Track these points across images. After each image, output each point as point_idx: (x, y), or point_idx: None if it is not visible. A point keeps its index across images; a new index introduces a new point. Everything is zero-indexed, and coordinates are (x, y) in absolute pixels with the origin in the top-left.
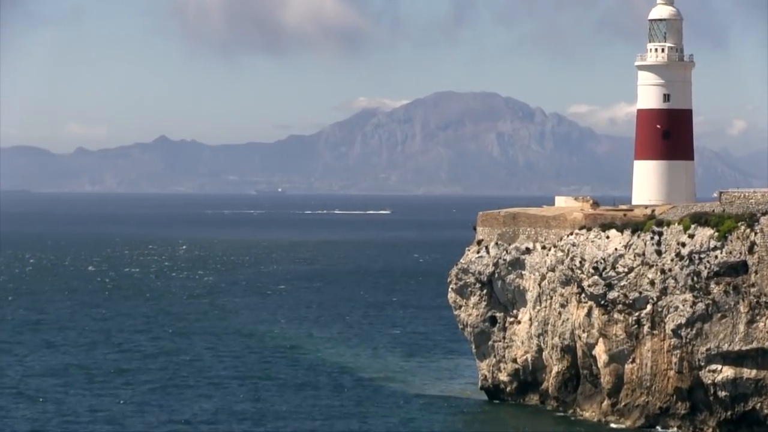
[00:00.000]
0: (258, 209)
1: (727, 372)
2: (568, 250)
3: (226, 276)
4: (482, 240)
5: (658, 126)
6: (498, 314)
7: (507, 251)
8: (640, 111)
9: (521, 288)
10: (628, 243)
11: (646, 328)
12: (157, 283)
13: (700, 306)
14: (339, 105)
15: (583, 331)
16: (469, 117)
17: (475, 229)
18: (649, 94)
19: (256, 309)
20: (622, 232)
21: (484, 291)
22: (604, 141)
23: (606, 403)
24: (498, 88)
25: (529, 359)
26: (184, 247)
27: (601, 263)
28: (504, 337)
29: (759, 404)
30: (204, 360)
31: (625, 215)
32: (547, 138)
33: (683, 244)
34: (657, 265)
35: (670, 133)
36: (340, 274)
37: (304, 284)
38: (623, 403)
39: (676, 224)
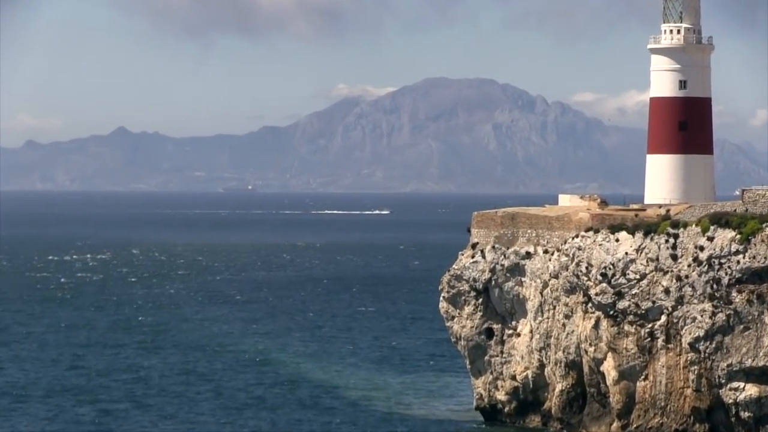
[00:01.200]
0: (225, 209)
1: (751, 390)
2: (573, 255)
3: (192, 283)
4: (477, 243)
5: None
6: (495, 326)
7: (505, 256)
8: (653, 99)
9: (521, 297)
10: (640, 246)
11: (660, 342)
12: (114, 291)
13: (721, 317)
14: (317, 93)
15: (590, 344)
16: (462, 106)
17: (469, 231)
18: (663, 81)
19: (226, 320)
20: (633, 234)
21: (480, 300)
22: (613, 133)
23: (615, 424)
24: (495, 74)
25: (530, 376)
26: (140, 251)
27: (609, 269)
28: (502, 352)
29: None
30: (167, 377)
31: (636, 215)
32: (550, 130)
33: (701, 248)
34: (672, 271)
35: (686, 124)
36: (319, 281)
37: (280, 292)
38: (635, 425)
39: (694, 226)
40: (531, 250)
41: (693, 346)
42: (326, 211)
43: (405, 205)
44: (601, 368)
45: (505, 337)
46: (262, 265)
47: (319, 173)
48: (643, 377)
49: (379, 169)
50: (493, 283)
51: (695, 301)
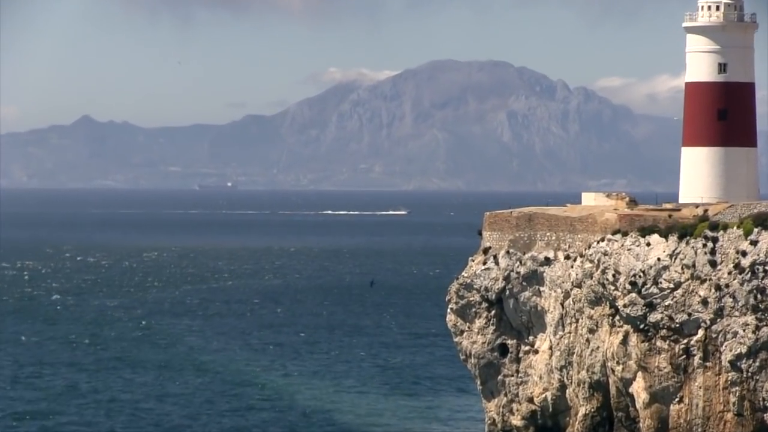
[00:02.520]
0: (201, 208)
1: None
2: (599, 261)
3: (166, 293)
4: (489, 248)
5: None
6: (509, 342)
7: (521, 262)
8: (688, 85)
9: (539, 308)
10: (674, 251)
11: (696, 360)
12: (76, 302)
13: (766, 331)
14: (307, 77)
15: (618, 362)
16: (472, 92)
17: (480, 234)
18: (699, 64)
19: (205, 335)
20: (666, 237)
21: (492, 312)
22: (643, 123)
23: None
24: (509, 56)
25: (549, 398)
26: (106, 256)
27: (640, 277)
28: (517, 371)
29: None
30: (138, 402)
31: (670, 216)
32: (572, 119)
33: (744, 253)
34: (711, 279)
35: (726, 113)
36: (313, 291)
37: (267, 303)
38: None
39: (735, 228)
40: (550, 255)
41: (734, 364)
42: (338, 212)
43: (426, 205)
44: (630, 389)
45: (521, 355)
46: (247, 272)
47: (310, 168)
48: (677, 400)
49: (378, 164)
50: (508, 293)
51: (737, 313)
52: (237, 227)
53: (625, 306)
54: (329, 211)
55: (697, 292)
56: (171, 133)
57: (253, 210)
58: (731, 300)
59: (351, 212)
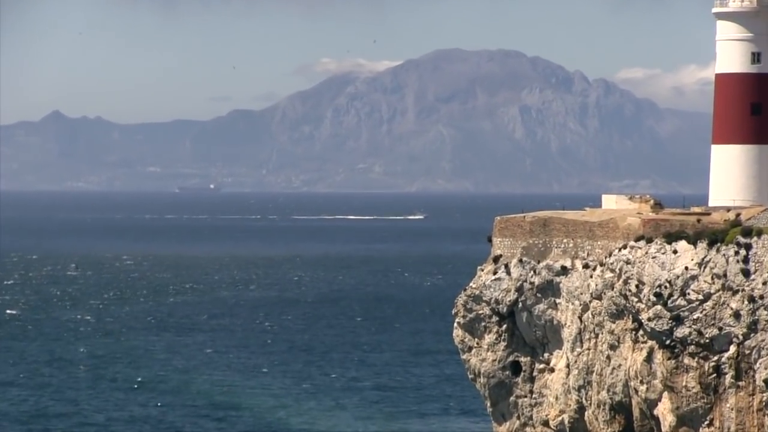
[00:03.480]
0: (181, 212)
1: None
2: (621, 270)
3: (139, 306)
4: (500, 256)
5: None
6: (522, 359)
7: (535, 271)
8: (719, 76)
9: (555, 322)
10: (703, 260)
11: (728, 378)
12: (40, 316)
13: None
14: (298, 68)
15: (642, 382)
16: (481, 84)
17: (490, 240)
18: (731, 53)
19: (181, 352)
20: (695, 244)
21: (503, 327)
22: (669, 118)
23: None
24: (522, 45)
25: (566, 421)
26: (75, 266)
27: (665, 288)
28: (531, 391)
29: None
30: (110, 425)
31: (699, 221)
32: (591, 114)
33: None
34: (744, 290)
35: (761, 107)
36: (305, 303)
37: (255, 317)
38: None
39: None
40: (567, 264)
41: None
42: (347, 216)
43: (445, 209)
44: (655, 411)
45: (535, 373)
46: (232, 283)
47: (303, 168)
48: (707, 422)
49: (378, 163)
50: (521, 305)
51: None
52: (220, 233)
53: (649, 320)
54: (337, 216)
55: (728, 305)
56: (149, 130)
57: (248, 215)
58: (766, 313)
59: (361, 217)
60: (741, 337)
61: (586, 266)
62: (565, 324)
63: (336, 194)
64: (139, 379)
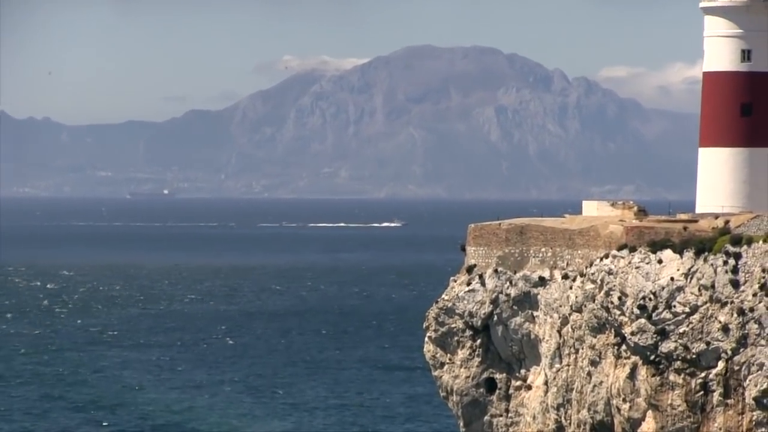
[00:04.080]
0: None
1: None
2: (602, 281)
3: (90, 319)
4: (474, 266)
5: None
6: (498, 376)
7: (511, 282)
8: (707, 75)
9: (532, 337)
10: (690, 270)
11: (716, 396)
12: None
13: None
14: (260, 66)
15: (624, 400)
16: (455, 84)
17: (463, 249)
18: (720, 51)
19: (134, 368)
20: (681, 253)
21: (478, 341)
22: (655, 119)
23: None
24: (499, 42)
25: None
26: (21, 278)
27: (650, 300)
28: (507, 410)
29: None
30: None
31: (685, 228)
32: (571, 115)
33: None
34: (733, 302)
35: (751, 108)
36: (268, 316)
37: (217, 331)
38: None
39: (761, 242)
40: (546, 274)
41: (760, 401)
42: (318, 224)
43: (425, 216)
44: (640, 431)
45: (511, 391)
46: (189, 295)
47: (265, 173)
48: None
49: (345, 167)
50: (496, 318)
51: (763, 342)
52: (175, 241)
53: (632, 334)
54: (309, 224)
55: (716, 318)
56: (100, 132)
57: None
58: (756, 326)
59: (335, 224)
60: (730, 353)
61: (565, 277)
62: (543, 338)
63: (301, 200)
64: (88, 398)
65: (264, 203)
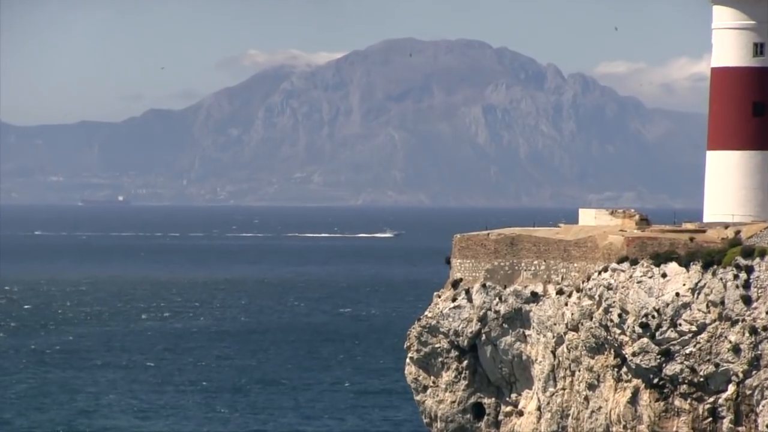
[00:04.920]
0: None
1: None
2: (601, 297)
3: (35, 338)
4: (461, 280)
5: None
6: (486, 401)
7: (501, 298)
8: (715, 71)
9: (524, 358)
10: (697, 285)
11: (726, 423)
12: None
13: None
14: (223, 61)
15: (625, 427)
16: (439, 80)
17: (448, 262)
18: (729, 45)
19: (87, 392)
20: (687, 267)
21: (464, 363)
22: (658, 119)
23: None
24: (487, 35)
25: None
26: None
27: (653, 317)
28: None
29: None
30: None
31: (692, 239)
32: (566, 115)
33: None
34: (744, 320)
35: (764, 107)
36: (236, 335)
37: (172, 350)
38: None
39: None
40: (539, 289)
41: None
42: (303, 234)
43: (421, 226)
44: None
45: (500, 417)
46: (148, 311)
47: (231, 178)
48: None
49: (318, 172)
50: (484, 338)
51: None
52: (132, 253)
53: (634, 354)
54: (297, 234)
55: (726, 337)
56: (51, 133)
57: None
58: None
59: (319, 234)
60: (741, 375)
61: (560, 292)
62: (536, 360)
63: (271, 208)
64: (36, 424)
65: (231, 211)
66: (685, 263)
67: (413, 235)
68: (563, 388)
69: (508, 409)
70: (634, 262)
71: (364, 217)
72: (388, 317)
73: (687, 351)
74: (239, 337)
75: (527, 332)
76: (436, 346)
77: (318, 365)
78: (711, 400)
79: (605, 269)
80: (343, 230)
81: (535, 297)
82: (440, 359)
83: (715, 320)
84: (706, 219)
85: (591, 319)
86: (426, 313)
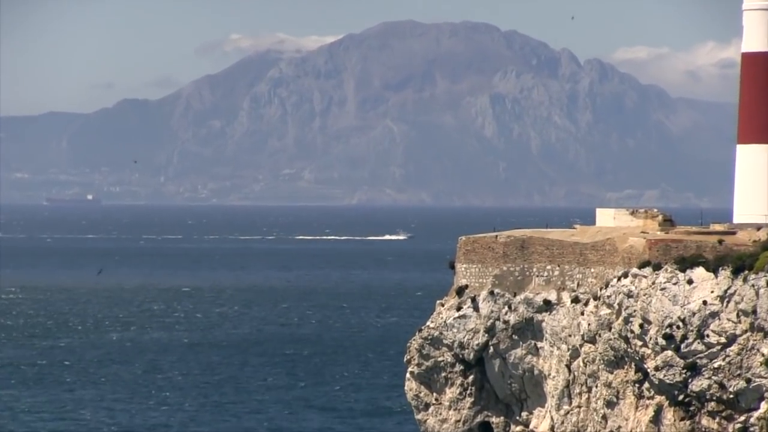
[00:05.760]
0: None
1: None
2: (621, 305)
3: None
4: (466, 287)
5: None
6: (494, 419)
7: (510, 307)
8: (746, 57)
9: (536, 372)
10: (726, 292)
11: None
12: None
13: None
14: (203, 46)
15: None
16: (442, 68)
17: (452, 267)
18: (761, 27)
19: (53, 412)
20: (715, 272)
21: (470, 378)
22: (682, 110)
23: None
24: (494, 17)
25: None
26: None
27: (678, 328)
28: None
29: None
30: None
31: (720, 242)
32: (582, 104)
33: None
34: None
35: None
36: (222, 347)
37: (151, 363)
38: None
39: None
40: (552, 297)
41: None
42: (306, 237)
43: (436, 227)
44: None
45: None
46: (124, 321)
47: (213, 175)
48: None
49: (309, 168)
50: (492, 350)
51: None
52: (106, 257)
53: (657, 369)
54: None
55: (758, 349)
56: (15, 126)
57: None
58: None
59: (324, 237)
60: None
61: (575, 300)
62: (549, 374)
63: (259, 208)
64: None
65: (213, 211)
66: (713, 268)
67: (426, 237)
68: (579, 406)
69: (518, 428)
70: (657, 267)
71: (369, 217)
72: (390, 326)
73: (715, 365)
74: (225, 349)
75: (539, 344)
76: (439, 359)
77: (313, 380)
78: (742, 419)
79: (625, 275)
80: (350, 232)
81: (547, 305)
82: (443, 374)
83: (746, 331)
84: (736, 220)
85: (609, 329)
86: (428, 323)
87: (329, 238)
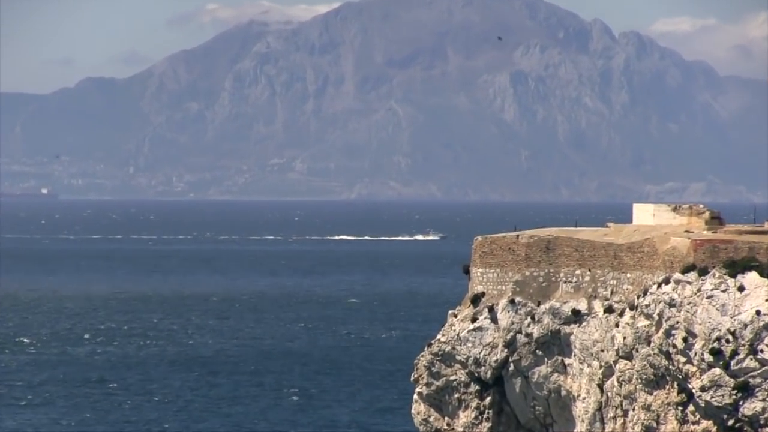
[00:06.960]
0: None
1: None
2: (661, 316)
3: None
4: (482, 294)
5: None
6: None
7: (534, 318)
8: None
9: (563, 393)
10: None
11: None
12: None
13: None
14: (177, 17)
15: None
16: (455, 41)
17: (467, 272)
18: None
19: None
20: None
21: (487, 400)
22: (732, 90)
23: None
24: None
25: None
26: None
27: (728, 342)
28: None
29: None
30: None
31: None
32: (616, 84)
33: None
34: None
35: None
36: (201, 363)
37: (119, 381)
38: None
39: None
40: (582, 307)
41: None
42: (331, 237)
43: (472, 225)
44: None
45: None
46: (88, 333)
47: (189, 165)
48: None
49: (301, 157)
50: (513, 368)
51: None
52: (66, 261)
53: (703, 389)
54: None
55: None
56: None
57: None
58: None
59: (347, 237)
60: None
61: (609, 310)
62: (579, 395)
63: (251, 203)
64: None
65: (188, 207)
66: (767, 273)
67: (459, 238)
68: (614, 431)
69: None
70: (704, 272)
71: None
72: (398, 340)
73: None
74: (213, 365)
75: (567, 361)
76: (452, 378)
77: (311, 401)
78: None
79: (666, 281)
80: (376, 232)
81: (576, 316)
82: (456, 395)
83: None
84: None
85: (649, 344)
86: (438, 336)
87: (353, 238)
